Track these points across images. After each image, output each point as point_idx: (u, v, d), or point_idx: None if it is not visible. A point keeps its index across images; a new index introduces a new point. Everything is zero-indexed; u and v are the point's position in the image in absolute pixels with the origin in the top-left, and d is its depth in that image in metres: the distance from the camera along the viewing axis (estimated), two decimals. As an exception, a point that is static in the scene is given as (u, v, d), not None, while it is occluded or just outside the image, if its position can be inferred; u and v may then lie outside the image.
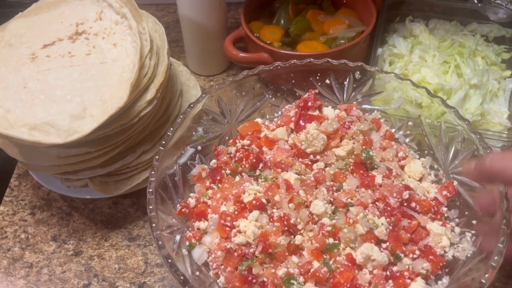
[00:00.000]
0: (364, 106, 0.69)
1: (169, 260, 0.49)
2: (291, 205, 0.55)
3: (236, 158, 0.64)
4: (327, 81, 0.68)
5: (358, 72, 0.67)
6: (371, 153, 0.61)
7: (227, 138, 0.67)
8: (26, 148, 0.58)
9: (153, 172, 0.55)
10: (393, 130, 0.66)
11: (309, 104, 0.67)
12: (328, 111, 0.68)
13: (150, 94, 0.58)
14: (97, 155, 0.59)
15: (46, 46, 0.61)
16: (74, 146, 0.56)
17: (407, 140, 0.66)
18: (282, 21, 0.84)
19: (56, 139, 0.53)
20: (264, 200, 0.56)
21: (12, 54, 0.61)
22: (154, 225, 0.51)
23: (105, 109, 0.54)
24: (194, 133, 0.64)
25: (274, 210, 0.56)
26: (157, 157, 0.57)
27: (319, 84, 0.69)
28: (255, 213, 0.55)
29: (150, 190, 0.54)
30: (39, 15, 0.66)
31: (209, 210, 0.58)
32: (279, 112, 0.70)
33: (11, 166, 0.74)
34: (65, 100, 0.55)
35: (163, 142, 0.59)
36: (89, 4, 0.65)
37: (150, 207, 0.52)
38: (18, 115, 0.55)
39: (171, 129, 0.60)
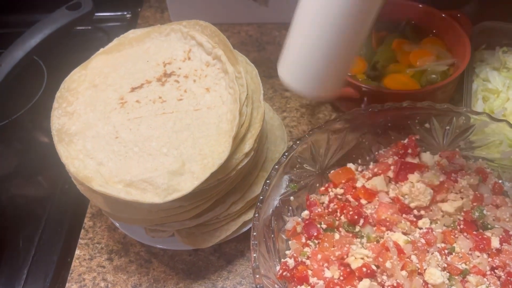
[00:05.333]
0: (465, 153, 0.63)
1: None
2: (403, 272, 0.51)
3: (330, 210, 0.59)
4: (427, 125, 0.63)
5: (463, 117, 0.62)
6: (484, 211, 0.55)
7: (317, 185, 0.63)
8: (113, 200, 0.54)
9: (255, 234, 0.51)
10: (500, 182, 0.61)
11: (409, 151, 0.62)
12: (427, 157, 0.63)
13: (248, 145, 0.54)
14: (189, 209, 0.55)
15: (134, 90, 0.57)
16: (167, 201, 0.52)
17: (517, 193, 0.61)
18: (363, 50, 0.78)
19: (154, 198, 0.49)
20: (373, 266, 0.51)
21: (98, 97, 0.57)
22: (263, 298, 0.47)
23: (206, 165, 0.50)
24: (285, 182, 0.59)
25: (384, 277, 0.51)
26: (257, 214, 0.53)
27: (417, 127, 0.64)
28: (366, 282, 0.50)
29: (255, 255, 0.50)
30: (122, 51, 0.62)
31: (310, 272, 0.53)
32: (371, 156, 0.65)
33: (83, 204, 0.71)
34: (161, 154, 0.51)
35: (261, 198, 0.54)
36: (175, 41, 0.61)
37: (257, 276, 0.48)
38: (112, 169, 0.51)
39: (268, 181, 0.56)
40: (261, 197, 0.54)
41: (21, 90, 0.88)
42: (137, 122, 0.54)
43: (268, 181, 0.56)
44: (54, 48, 0.85)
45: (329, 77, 0.54)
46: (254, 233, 0.51)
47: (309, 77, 0.53)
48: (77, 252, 0.66)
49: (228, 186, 0.57)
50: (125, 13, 1.02)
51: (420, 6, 0.79)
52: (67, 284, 0.63)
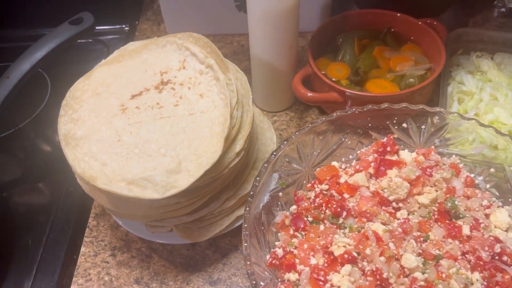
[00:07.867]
0: (440, 150, 0.69)
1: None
2: (382, 258, 0.56)
3: (316, 204, 0.64)
4: (404, 125, 0.69)
5: (437, 117, 0.67)
6: (456, 202, 0.61)
7: (304, 182, 0.68)
8: (116, 197, 0.59)
9: (246, 225, 0.56)
10: (472, 175, 0.66)
11: (388, 149, 0.67)
12: (405, 155, 0.68)
13: (238, 145, 0.59)
14: (185, 205, 0.60)
15: (134, 97, 0.62)
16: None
17: (488, 186, 0.66)
18: (347, 57, 0.84)
19: (153, 194, 0.54)
20: (354, 253, 0.56)
21: (101, 104, 0.62)
22: (254, 282, 0.52)
23: (200, 163, 0.55)
24: (274, 180, 0.64)
25: (365, 263, 0.56)
26: (247, 208, 0.58)
27: (395, 127, 0.69)
28: (347, 267, 0.55)
29: (246, 244, 0.55)
30: (122, 62, 0.67)
31: (297, 260, 0.58)
32: (354, 155, 0.71)
33: (87, 205, 0.76)
34: (159, 154, 0.56)
35: (251, 193, 0.59)
36: (171, 52, 0.66)
37: (248, 263, 0.53)
38: (115, 169, 0.56)
39: (257, 178, 0.61)
40: (251, 193, 0.59)
41: (26, 100, 0.93)
42: (137, 126, 0.59)
43: (258, 178, 0.61)
44: (57, 60, 0.90)
45: (277, 99, 0.86)
46: (245, 225, 0.56)
47: (265, 101, 0.87)
48: (83, 249, 0.71)
49: (221, 183, 0.62)
50: (123, 26, 1.08)
51: (399, 15, 0.85)
52: (73, 279, 0.67)
